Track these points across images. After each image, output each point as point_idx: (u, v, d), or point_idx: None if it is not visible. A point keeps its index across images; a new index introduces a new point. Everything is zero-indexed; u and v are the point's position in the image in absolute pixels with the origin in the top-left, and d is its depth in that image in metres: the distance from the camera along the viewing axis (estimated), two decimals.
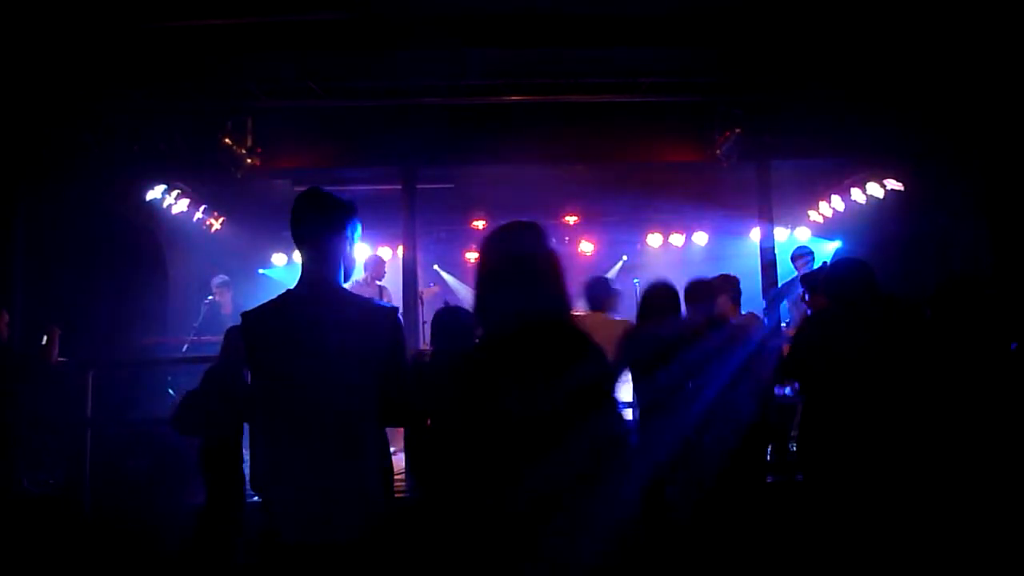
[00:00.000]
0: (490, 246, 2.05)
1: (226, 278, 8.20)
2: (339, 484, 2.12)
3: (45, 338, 5.54)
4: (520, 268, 1.96)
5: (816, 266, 6.89)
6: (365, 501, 2.14)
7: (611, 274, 11.04)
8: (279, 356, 2.19)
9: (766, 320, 6.90)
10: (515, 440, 1.80)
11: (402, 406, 2.28)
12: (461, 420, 1.90)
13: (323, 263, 2.26)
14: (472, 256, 10.60)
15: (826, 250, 9.63)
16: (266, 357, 2.22)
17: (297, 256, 10.43)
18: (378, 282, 7.55)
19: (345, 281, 2.33)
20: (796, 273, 6.96)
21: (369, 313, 2.24)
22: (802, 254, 7.15)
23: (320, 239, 2.26)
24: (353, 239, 2.34)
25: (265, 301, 2.28)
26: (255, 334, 2.24)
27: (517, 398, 1.81)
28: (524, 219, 2.07)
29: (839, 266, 3.86)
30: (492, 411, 1.83)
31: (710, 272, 4.85)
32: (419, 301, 7.87)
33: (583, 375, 1.86)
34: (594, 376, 1.89)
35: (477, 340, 2.11)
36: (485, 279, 2.02)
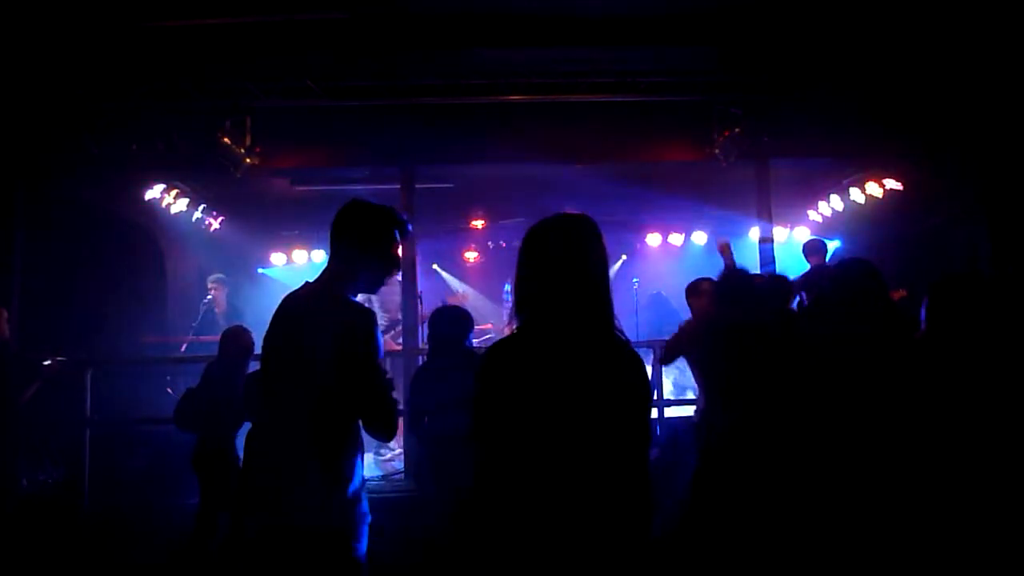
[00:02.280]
0: (541, 237, 1.94)
1: (222, 275, 8.19)
2: (302, 471, 2.20)
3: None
4: (574, 268, 1.88)
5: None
6: (326, 490, 2.19)
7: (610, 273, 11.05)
8: (275, 343, 2.35)
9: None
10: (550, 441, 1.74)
11: (376, 406, 2.28)
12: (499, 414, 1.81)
13: (334, 266, 2.38)
14: (472, 256, 10.60)
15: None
16: (268, 342, 2.37)
17: (296, 255, 10.32)
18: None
19: (372, 288, 2.43)
20: (809, 267, 7.00)
21: (345, 315, 2.28)
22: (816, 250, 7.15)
23: (337, 245, 2.38)
24: (378, 247, 2.39)
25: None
26: (274, 318, 2.39)
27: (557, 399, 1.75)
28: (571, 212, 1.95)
29: (845, 267, 3.79)
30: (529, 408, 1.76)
31: (711, 272, 4.87)
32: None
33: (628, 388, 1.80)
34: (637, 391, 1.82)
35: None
36: (536, 271, 1.91)
